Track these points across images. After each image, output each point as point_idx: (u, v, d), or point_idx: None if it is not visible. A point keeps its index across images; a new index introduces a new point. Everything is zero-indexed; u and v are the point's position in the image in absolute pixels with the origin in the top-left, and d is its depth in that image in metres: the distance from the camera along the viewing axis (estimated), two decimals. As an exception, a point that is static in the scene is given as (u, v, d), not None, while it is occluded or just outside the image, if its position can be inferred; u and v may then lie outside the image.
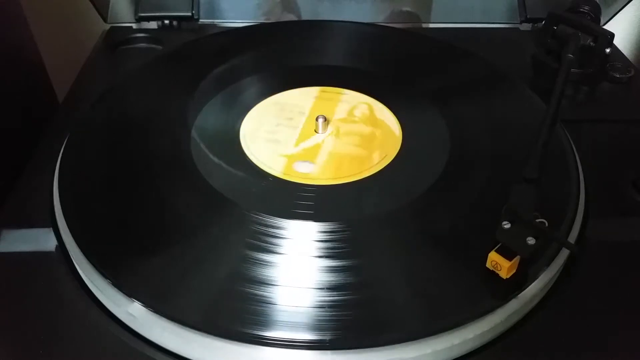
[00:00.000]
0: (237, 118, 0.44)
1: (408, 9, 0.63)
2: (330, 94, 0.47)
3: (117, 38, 0.58)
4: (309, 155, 0.41)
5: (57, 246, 0.36)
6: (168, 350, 0.31)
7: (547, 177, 0.35)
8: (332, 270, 0.33)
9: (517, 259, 0.31)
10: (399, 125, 0.44)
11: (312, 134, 0.43)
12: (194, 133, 0.43)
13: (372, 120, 0.45)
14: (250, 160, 0.40)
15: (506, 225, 0.32)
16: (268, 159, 0.40)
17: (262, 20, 0.62)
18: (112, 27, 0.60)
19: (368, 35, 0.55)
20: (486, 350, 0.31)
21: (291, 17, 0.63)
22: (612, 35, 0.48)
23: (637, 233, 0.38)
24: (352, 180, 0.39)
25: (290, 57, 0.52)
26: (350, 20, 0.57)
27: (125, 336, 0.32)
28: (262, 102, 0.46)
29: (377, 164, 0.40)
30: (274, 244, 0.34)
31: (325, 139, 0.43)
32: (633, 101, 0.50)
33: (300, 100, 0.47)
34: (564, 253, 0.34)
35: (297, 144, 0.42)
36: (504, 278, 0.31)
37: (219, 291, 0.32)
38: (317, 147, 0.42)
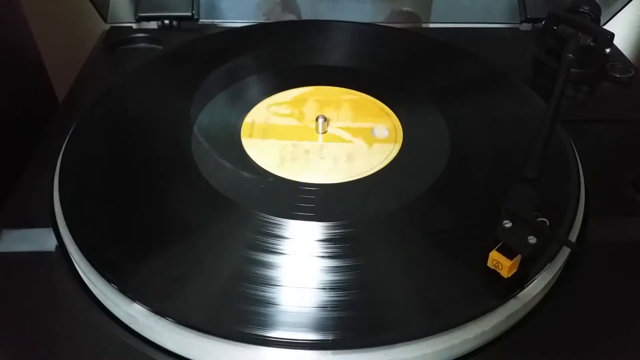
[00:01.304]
0: (237, 117, 0.44)
1: (408, 9, 0.63)
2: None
3: (117, 38, 0.58)
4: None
5: (57, 246, 0.36)
6: (168, 350, 0.31)
7: (547, 177, 0.35)
8: (333, 270, 0.33)
9: (518, 258, 0.31)
10: (400, 125, 0.44)
11: (312, 134, 0.43)
12: (194, 133, 0.43)
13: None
14: (252, 160, 0.40)
15: (507, 224, 0.32)
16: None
17: (262, 20, 0.62)
18: (112, 27, 0.60)
19: (368, 35, 0.55)
20: (486, 350, 0.31)
21: (291, 17, 0.63)
22: (612, 35, 0.48)
23: (637, 233, 0.38)
24: (353, 180, 0.39)
25: (290, 57, 0.52)
26: (350, 20, 0.57)
27: (125, 336, 0.32)
28: (262, 102, 0.46)
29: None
30: (274, 244, 0.34)
31: (325, 139, 0.43)
32: (633, 101, 0.50)
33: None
34: (565, 252, 0.34)
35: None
36: (505, 277, 0.31)
37: (219, 291, 0.32)
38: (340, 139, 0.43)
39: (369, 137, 0.43)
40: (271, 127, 0.44)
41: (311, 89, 0.48)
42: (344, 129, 0.44)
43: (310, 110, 0.45)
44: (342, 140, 0.43)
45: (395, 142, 0.42)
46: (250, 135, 0.43)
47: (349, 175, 0.39)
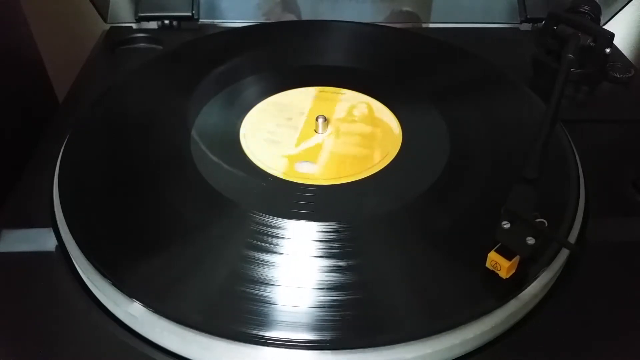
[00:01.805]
0: (237, 118, 0.44)
1: (408, 9, 0.63)
2: (329, 94, 0.47)
3: (117, 38, 0.58)
4: (310, 156, 0.41)
5: (57, 246, 0.36)
6: (168, 350, 0.31)
7: (547, 177, 0.35)
8: (332, 270, 0.33)
9: (516, 259, 0.31)
10: (399, 125, 0.44)
11: (312, 134, 0.43)
12: (194, 133, 0.43)
13: (371, 119, 0.45)
14: (250, 160, 0.40)
15: (506, 225, 0.32)
16: (269, 160, 0.40)
17: (262, 20, 0.62)
18: (112, 27, 0.60)
19: (368, 35, 0.55)
20: (486, 350, 0.31)
21: (291, 17, 0.63)
22: (612, 35, 0.48)
23: (637, 233, 0.38)
24: (353, 180, 0.39)
25: (290, 57, 0.52)
26: (350, 20, 0.57)
27: (125, 336, 0.32)
28: (262, 102, 0.46)
29: (377, 163, 0.40)
30: (274, 244, 0.34)
31: (325, 139, 0.43)
32: (633, 101, 0.50)
33: (300, 100, 0.47)
34: (564, 253, 0.34)
35: (297, 144, 0.42)
36: (504, 278, 0.31)
37: (219, 291, 0.32)
38: (318, 147, 0.42)
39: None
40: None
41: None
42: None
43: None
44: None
45: (395, 142, 0.42)
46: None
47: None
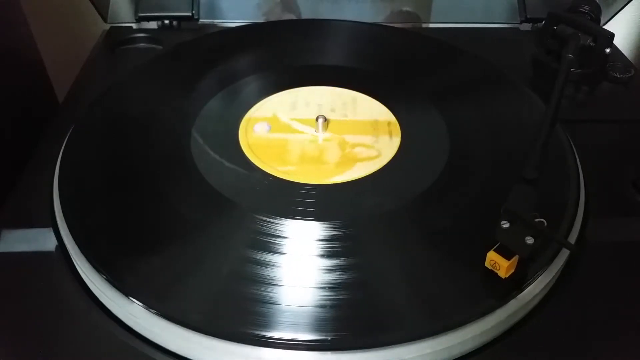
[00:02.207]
0: (237, 117, 0.44)
1: (408, 9, 0.63)
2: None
3: (117, 38, 0.58)
4: (279, 128, 0.42)
5: (57, 246, 0.36)
6: (168, 350, 0.31)
7: (547, 177, 0.35)
8: (333, 269, 0.33)
9: (515, 259, 0.31)
10: (399, 125, 0.44)
11: (312, 126, 0.43)
12: (194, 133, 0.43)
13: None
14: (251, 160, 0.40)
15: (505, 224, 0.32)
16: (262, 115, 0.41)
17: (262, 20, 0.62)
18: (112, 27, 0.60)
19: (368, 35, 0.55)
20: (486, 350, 0.31)
21: (291, 16, 0.63)
22: (612, 35, 0.48)
23: (637, 233, 0.38)
24: (352, 180, 0.39)
25: (290, 56, 0.52)
26: (350, 19, 0.57)
27: (125, 336, 0.32)
28: (262, 101, 0.46)
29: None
30: (274, 244, 0.34)
31: (311, 135, 0.43)
32: (633, 101, 0.50)
33: (367, 110, 0.46)
34: (564, 253, 0.34)
35: (292, 119, 0.43)
36: (503, 277, 0.31)
37: (219, 291, 0.32)
38: (293, 131, 0.43)
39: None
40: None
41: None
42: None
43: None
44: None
45: (394, 142, 0.42)
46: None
47: (268, 160, 0.39)
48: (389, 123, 0.44)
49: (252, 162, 0.40)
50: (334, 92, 0.48)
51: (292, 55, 0.52)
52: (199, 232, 0.35)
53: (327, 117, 0.43)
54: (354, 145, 0.42)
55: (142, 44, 0.58)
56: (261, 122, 0.41)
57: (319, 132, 0.43)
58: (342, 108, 0.46)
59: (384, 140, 0.42)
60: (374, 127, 0.44)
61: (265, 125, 0.41)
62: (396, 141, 0.42)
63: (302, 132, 0.43)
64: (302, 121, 0.44)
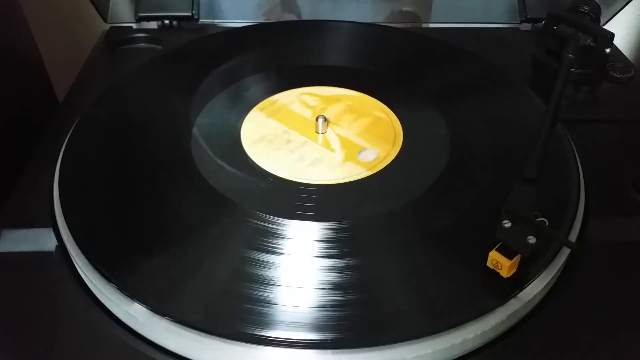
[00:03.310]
0: (237, 118, 0.44)
1: (408, 9, 0.63)
2: (363, 105, 0.46)
3: (117, 38, 0.58)
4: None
5: (57, 246, 0.36)
6: (168, 350, 0.31)
7: (548, 177, 0.35)
8: (333, 270, 0.33)
9: (517, 258, 0.31)
10: (400, 125, 0.44)
11: (314, 135, 0.43)
12: (194, 133, 0.43)
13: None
14: (251, 160, 0.40)
15: (507, 224, 0.32)
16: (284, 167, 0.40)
17: (262, 20, 0.62)
18: (112, 27, 0.60)
19: (368, 35, 0.55)
20: (486, 350, 0.31)
21: (291, 17, 0.63)
22: (612, 35, 0.48)
23: (637, 233, 0.38)
24: (353, 180, 0.39)
25: (290, 57, 0.52)
26: (350, 20, 0.57)
27: (126, 336, 0.32)
28: (262, 101, 0.46)
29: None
30: (274, 244, 0.34)
31: (328, 134, 0.43)
32: (633, 101, 0.50)
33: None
34: (564, 253, 0.34)
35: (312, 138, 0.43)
36: (505, 277, 0.31)
37: (219, 291, 0.32)
38: (327, 141, 0.43)
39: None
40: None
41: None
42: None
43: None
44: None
45: (395, 142, 0.42)
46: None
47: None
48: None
49: (253, 163, 0.40)
50: (368, 106, 0.47)
51: (293, 56, 0.52)
52: (199, 232, 0.35)
53: (326, 117, 0.43)
54: (331, 154, 0.42)
55: (142, 44, 0.58)
56: (360, 153, 0.40)
57: (318, 132, 0.43)
58: (359, 121, 0.45)
59: (363, 163, 0.41)
60: (365, 149, 0.42)
61: (366, 153, 0.40)
62: (397, 141, 0.42)
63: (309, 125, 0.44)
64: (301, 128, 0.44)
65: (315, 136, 0.43)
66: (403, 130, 0.43)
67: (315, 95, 0.47)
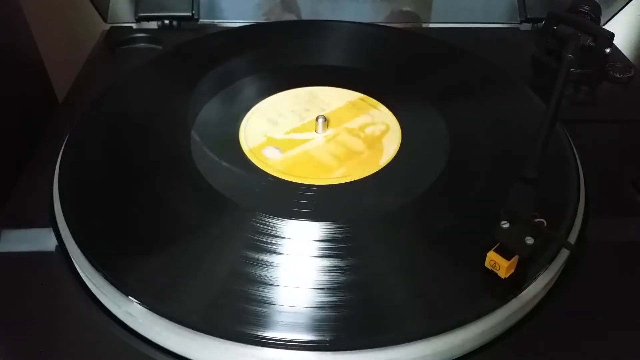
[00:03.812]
0: (236, 117, 0.44)
1: (408, 9, 0.63)
2: (365, 105, 0.46)
3: (117, 38, 0.58)
4: (285, 146, 0.41)
5: (57, 246, 0.36)
6: (168, 350, 0.31)
7: (547, 177, 0.35)
8: (332, 270, 0.33)
9: (515, 259, 0.31)
10: (399, 124, 0.44)
11: (310, 131, 0.43)
12: (193, 133, 0.43)
13: (373, 141, 0.43)
14: (250, 160, 0.40)
15: (505, 224, 0.32)
16: (253, 134, 0.41)
17: (262, 20, 0.62)
18: (112, 27, 0.60)
19: (368, 35, 0.55)
20: (486, 350, 0.31)
21: (291, 17, 0.63)
22: (612, 35, 0.48)
23: (637, 233, 0.38)
24: (352, 180, 0.39)
25: (290, 57, 0.52)
26: (350, 20, 0.57)
27: (125, 336, 0.32)
28: (262, 102, 0.46)
29: (337, 177, 0.39)
30: (273, 244, 0.34)
31: (317, 138, 0.43)
32: (633, 101, 0.50)
33: (334, 98, 0.47)
34: (564, 253, 0.34)
35: (288, 132, 0.43)
36: (503, 277, 0.31)
37: (218, 291, 0.32)
38: (300, 142, 0.42)
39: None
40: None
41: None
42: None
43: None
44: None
45: (395, 142, 0.42)
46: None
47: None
48: (361, 99, 0.45)
49: (251, 162, 0.40)
50: (369, 105, 0.47)
51: (292, 56, 0.52)
52: (198, 232, 0.35)
53: (327, 118, 0.43)
54: (363, 128, 0.42)
55: (142, 44, 0.58)
56: (267, 147, 0.41)
57: (319, 132, 0.43)
58: (311, 105, 0.46)
59: (375, 113, 0.42)
60: (356, 107, 0.43)
61: (274, 149, 0.41)
62: (397, 141, 0.42)
63: (307, 140, 0.43)
64: (300, 129, 0.44)
65: (315, 136, 0.43)
66: (403, 130, 0.43)
67: (350, 100, 0.47)
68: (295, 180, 0.39)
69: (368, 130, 0.43)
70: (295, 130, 0.43)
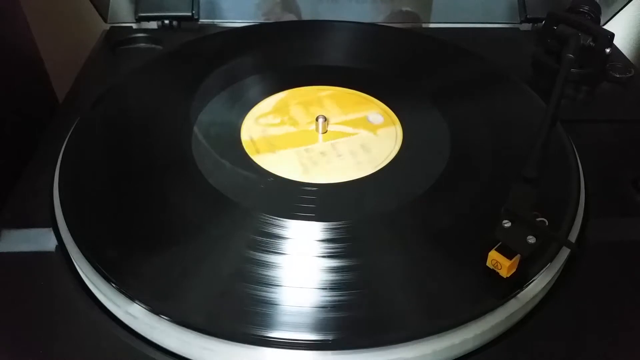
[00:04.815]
0: (238, 117, 0.44)
1: (408, 9, 0.63)
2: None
3: (117, 38, 0.58)
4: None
5: (57, 246, 0.36)
6: (168, 350, 0.31)
7: (548, 177, 0.35)
8: (333, 270, 0.33)
9: (517, 258, 0.31)
10: (399, 124, 0.44)
11: (312, 134, 0.43)
12: (194, 133, 0.43)
13: (360, 107, 0.45)
14: (252, 160, 0.40)
15: (506, 224, 0.32)
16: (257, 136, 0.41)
17: (262, 20, 0.62)
18: (112, 27, 0.60)
19: (368, 35, 0.55)
20: (486, 350, 0.31)
21: (291, 17, 0.63)
22: (612, 35, 0.48)
23: (637, 233, 0.38)
24: (353, 180, 0.39)
25: (290, 57, 0.52)
26: (350, 20, 0.57)
27: (126, 336, 0.32)
28: (262, 102, 0.46)
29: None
30: (275, 244, 0.34)
31: (321, 137, 0.43)
32: (633, 101, 0.50)
33: (282, 105, 0.46)
34: (565, 252, 0.34)
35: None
36: (504, 277, 0.31)
37: (220, 291, 0.32)
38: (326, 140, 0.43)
39: (368, 124, 0.43)
40: (273, 138, 0.43)
41: (286, 92, 0.47)
42: (341, 123, 0.44)
43: (298, 113, 0.45)
44: (346, 134, 0.43)
45: (395, 141, 0.42)
46: (258, 152, 0.41)
47: (375, 165, 0.40)
48: (376, 109, 0.45)
49: (253, 162, 0.40)
50: (311, 92, 0.47)
51: (292, 56, 0.52)
52: (200, 232, 0.35)
53: (326, 117, 0.43)
54: (360, 135, 0.42)
55: (142, 44, 0.58)
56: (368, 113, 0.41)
57: (319, 132, 0.43)
58: (326, 105, 0.46)
59: (382, 125, 0.42)
60: (367, 115, 0.44)
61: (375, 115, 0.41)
62: (397, 141, 0.42)
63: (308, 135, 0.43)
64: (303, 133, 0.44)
65: (315, 135, 0.43)
66: (403, 130, 0.43)
67: (295, 98, 0.47)
68: (343, 180, 0.39)
69: (359, 121, 0.44)
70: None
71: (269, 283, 0.32)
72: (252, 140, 0.42)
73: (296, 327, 0.30)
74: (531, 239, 0.31)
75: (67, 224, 0.36)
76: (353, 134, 0.43)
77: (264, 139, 0.43)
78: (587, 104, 0.50)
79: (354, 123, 0.44)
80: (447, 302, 0.31)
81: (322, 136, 0.43)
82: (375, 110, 0.44)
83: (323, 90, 0.48)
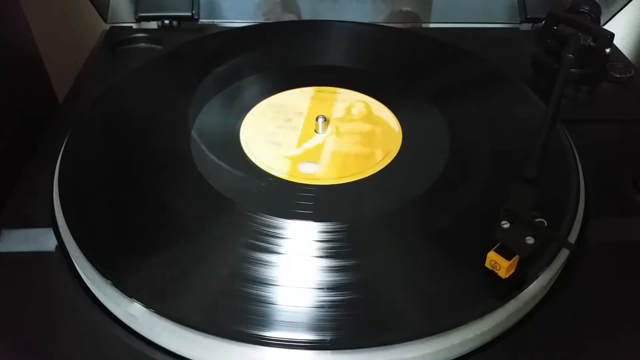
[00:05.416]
0: (237, 118, 0.44)
1: (408, 9, 0.63)
2: (326, 94, 0.47)
3: (117, 38, 0.58)
4: (313, 156, 0.41)
5: (57, 246, 0.36)
6: (168, 350, 0.31)
7: (547, 177, 0.35)
8: (332, 270, 0.33)
9: (516, 259, 0.31)
10: (399, 125, 0.44)
11: (313, 134, 0.43)
12: (194, 133, 0.43)
13: (370, 117, 0.45)
14: (250, 160, 0.40)
15: (505, 224, 0.32)
16: (272, 162, 0.40)
17: (262, 20, 0.62)
18: (112, 27, 0.60)
19: (368, 35, 0.55)
20: (486, 350, 0.31)
21: (291, 17, 0.63)
22: (612, 35, 0.48)
23: (637, 233, 0.38)
24: (353, 180, 0.39)
25: (290, 57, 0.52)
26: (350, 20, 0.57)
27: (125, 336, 0.32)
28: (262, 102, 0.46)
29: (378, 162, 0.40)
30: (274, 244, 0.34)
31: (326, 138, 0.43)
32: (633, 101, 0.50)
33: (297, 100, 0.47)
34: (564, 253, 0.34)
35: (299, 145, 0.42)
36: (503, 277, 0.31)
37: (219, 291, 0.32)
38: (319, 147, 0.42)
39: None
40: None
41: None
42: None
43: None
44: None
45: (395, 142, 0.42)
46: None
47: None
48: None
49: (251, 162, 0.40)
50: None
51: (292, 56, 0.52)
52: (198, 232, 0.35)
53: (326, 117, 0.43)
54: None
55: (142, 44, 0.58)
56: (300, 165, 0.40)
57: (319, 132, 0.43)
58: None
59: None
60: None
61: (307, 164, 0.40)
62: (396, 141, 0.42)
63: (322, 143, 0.43)
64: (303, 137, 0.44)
65: (315, 135, 0.43)
66: (403, 130, 0.43)
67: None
68: (345, 180, 0.39)
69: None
70: (302, 140, 0.43)
71: (268, 283, 0.32)
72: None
73: (295, 326, 0.30)
74: (530, 240, 0.31)
75: (67, 224, 0.36)
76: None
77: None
78: (587, 104, 0.50)
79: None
80: (446, 302, 0.31)
81: (322, 136, 0.43)
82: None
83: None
